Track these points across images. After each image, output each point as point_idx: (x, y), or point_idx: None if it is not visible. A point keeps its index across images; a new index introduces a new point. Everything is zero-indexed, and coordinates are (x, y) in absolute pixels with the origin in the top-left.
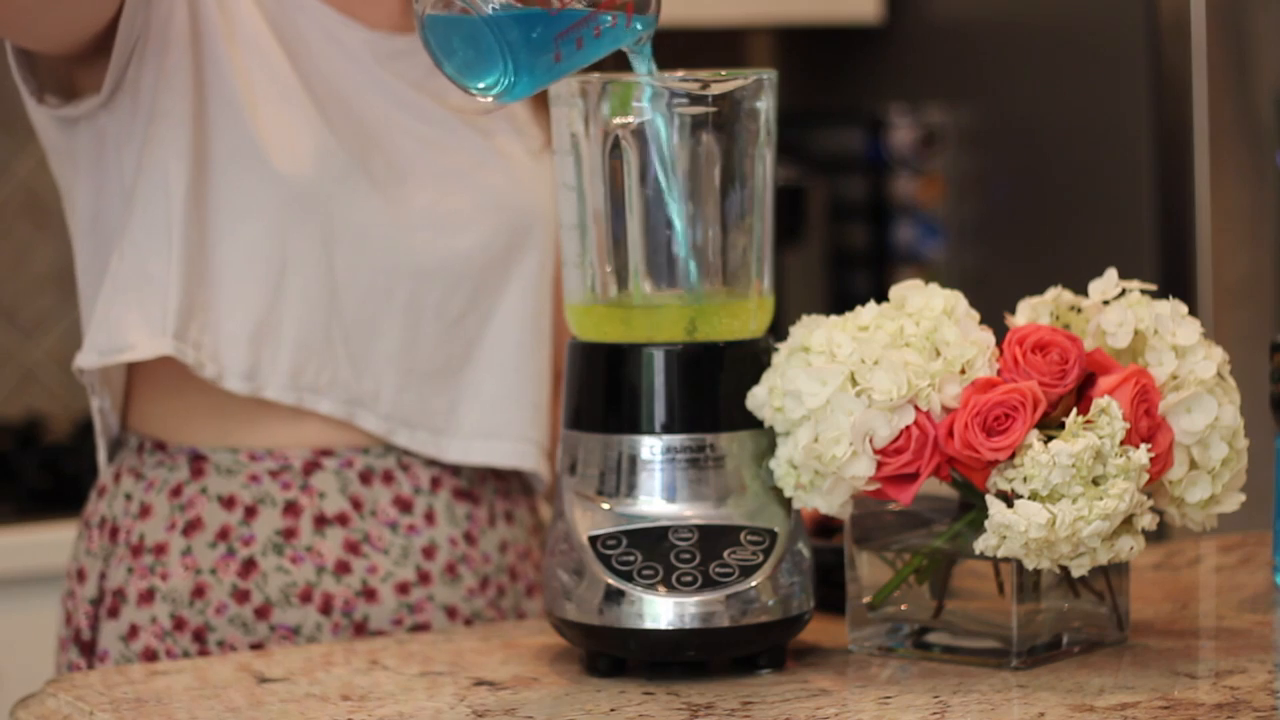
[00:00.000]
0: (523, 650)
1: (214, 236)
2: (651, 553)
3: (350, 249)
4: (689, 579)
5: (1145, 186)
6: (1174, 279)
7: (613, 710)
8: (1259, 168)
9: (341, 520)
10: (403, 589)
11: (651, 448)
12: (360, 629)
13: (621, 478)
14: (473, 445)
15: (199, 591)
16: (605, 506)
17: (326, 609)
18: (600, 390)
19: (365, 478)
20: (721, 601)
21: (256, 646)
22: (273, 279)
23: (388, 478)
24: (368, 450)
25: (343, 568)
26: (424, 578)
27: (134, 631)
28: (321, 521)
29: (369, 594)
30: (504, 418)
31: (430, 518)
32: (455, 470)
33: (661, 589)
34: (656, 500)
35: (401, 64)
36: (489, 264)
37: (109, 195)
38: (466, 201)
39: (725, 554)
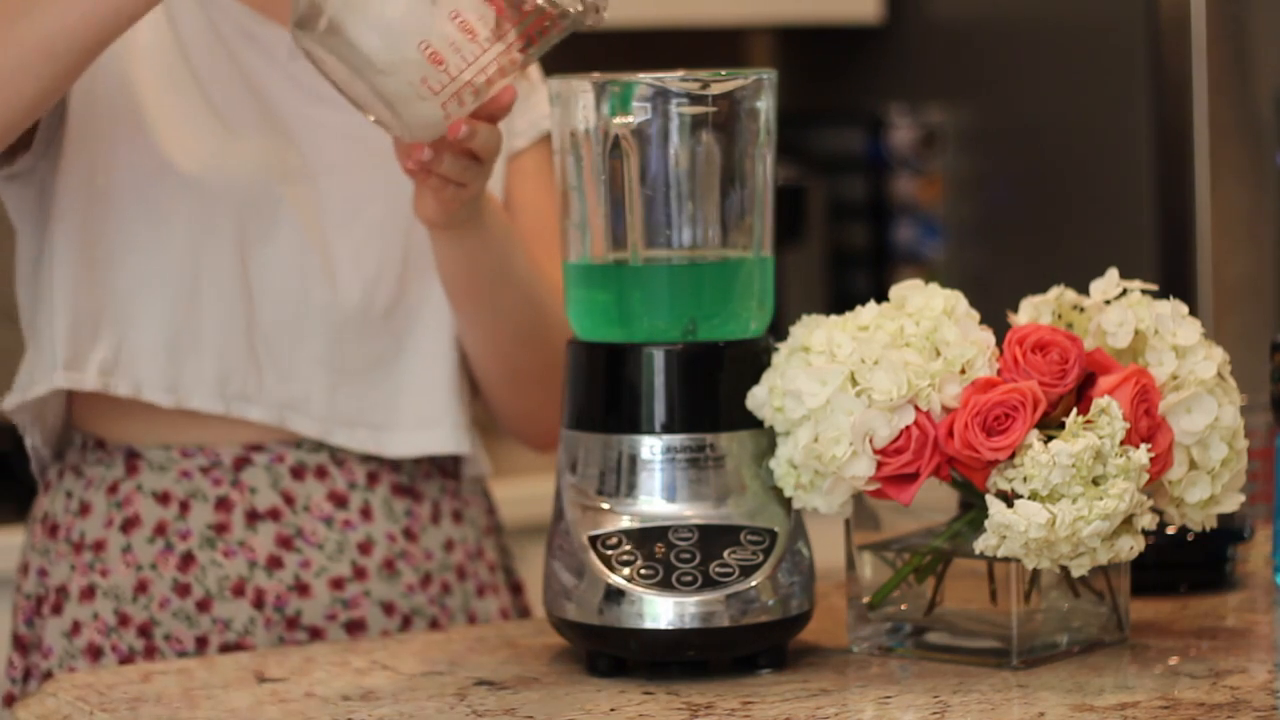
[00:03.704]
0: (523, 650)
1: (118, 253)
2: (651, 553)
3: (264, 252)
4: (689, 579)
5: (1145, 186)
6: (1174, 279)
7: (613, 710)
8: (1259, 168)
9: (273, 515)
10: (337, 584)
11: (651, 448)
12: (293, 624)
13: (621, 478)
14: (414, 437)
15: (141, 587)
16: (605, 506)
17: (259, 603)
18: (600, 390)
19: (297, 473)
20: (721, 601)
21: (201, 640)
22: (186, 287)
23: (321, 473)
24: (300, 445)
25: (275, 563)
26: (360, 573)
27: (76, 628)
28: (253, 516)
29: (301, 589)
30: (440, 406)
31: (367, 513)
32: (395, 466)
33: (661, 589)
34: (656, 500)
35: None
36: (410, 255)
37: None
38: (385, 195)
39: (725, 554)
